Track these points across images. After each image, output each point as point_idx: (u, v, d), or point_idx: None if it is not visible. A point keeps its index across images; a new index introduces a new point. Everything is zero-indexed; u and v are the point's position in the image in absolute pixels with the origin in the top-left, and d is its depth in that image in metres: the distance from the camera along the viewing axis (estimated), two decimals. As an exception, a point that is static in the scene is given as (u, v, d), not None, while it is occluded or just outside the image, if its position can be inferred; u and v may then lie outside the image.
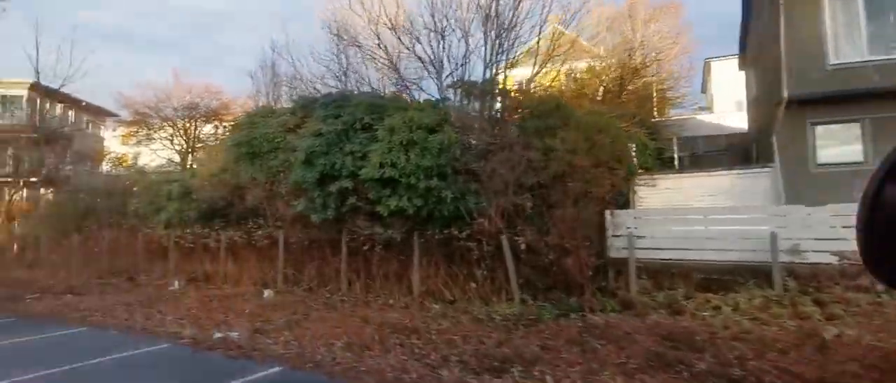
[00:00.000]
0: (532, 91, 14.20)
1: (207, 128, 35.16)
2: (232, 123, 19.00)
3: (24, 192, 31.82)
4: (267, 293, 12.25)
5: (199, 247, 15.60)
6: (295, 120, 14.04)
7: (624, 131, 12.99)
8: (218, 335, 8.44)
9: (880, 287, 7.06)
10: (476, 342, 7.31)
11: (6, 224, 23.03)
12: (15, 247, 23.68)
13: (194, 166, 24.05)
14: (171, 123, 33.78)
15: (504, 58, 13.03)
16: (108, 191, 27.05)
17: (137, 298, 12.43)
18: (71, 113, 35.04)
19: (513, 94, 13.08)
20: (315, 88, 17.33)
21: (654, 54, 21.65)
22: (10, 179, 31.21)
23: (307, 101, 14.62)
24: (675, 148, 19.58)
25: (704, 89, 31.71)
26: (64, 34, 53.30)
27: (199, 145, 33.22)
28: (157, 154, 33.46)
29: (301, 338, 7.98)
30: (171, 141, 34.86)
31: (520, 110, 12.30)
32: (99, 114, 37.58)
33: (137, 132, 34.67)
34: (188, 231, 15.72)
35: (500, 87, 12.83)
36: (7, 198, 32.57)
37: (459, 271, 10.53)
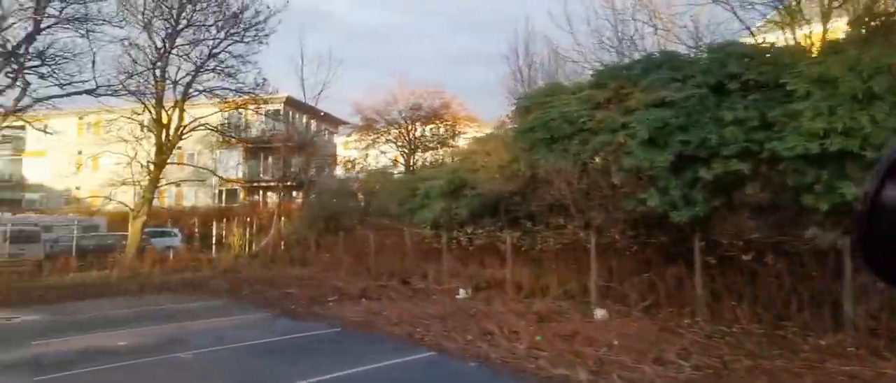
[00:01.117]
0: None
1: (427, 129, 35.82)
2: (511, 112, 16.86)
3: (281, 196, 35.71)
4: (600, 313, 9.42)
5: (475, 249, 13.83)
6: (604, 93, 11.12)
7: None
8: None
9: None
10: None
11: (276, 225, 24.97)
12: (281, 245, 25.72)
13: (451, 161, 23.47)
14: (396, 126, 34.91)
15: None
16: (350, 193, 28.65)
17: (436, 309, 10.75)
18: (312, 122, 38.44)
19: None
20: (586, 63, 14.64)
21: None
22: (273, 184, 35.53)
23: (615, 70, 11.62)
24: None
25: None
26: (312, 54, 61.29)
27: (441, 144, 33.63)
28: (385, 155, 34.87)
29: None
30: (396, 143, 36.05)
31: None
32: (333, 122, 40.84)
33: (365, 136, 36.42)
34: (467, 230, 14.06)
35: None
36: (271, 201, 37.20)
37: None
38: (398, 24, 72.77)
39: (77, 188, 37.91)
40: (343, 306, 11.63)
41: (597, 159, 10.24)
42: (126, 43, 16.59)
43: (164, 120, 18.94)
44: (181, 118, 19.53)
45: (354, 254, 18.52)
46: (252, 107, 21.62)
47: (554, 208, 11.64)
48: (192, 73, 18.60)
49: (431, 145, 36.40)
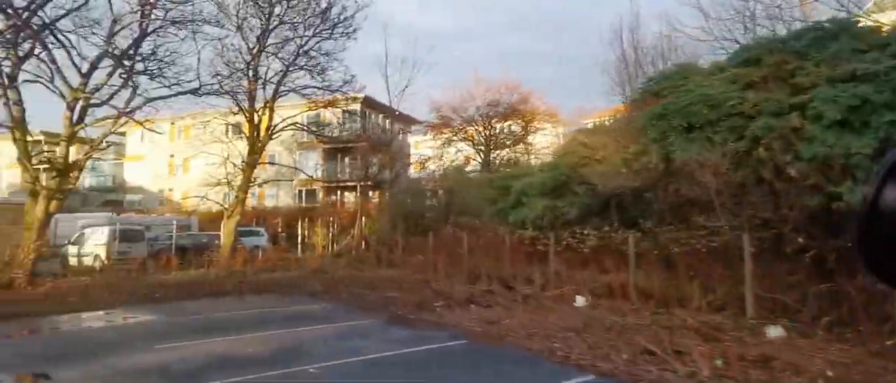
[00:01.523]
0: None
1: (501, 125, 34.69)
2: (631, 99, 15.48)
3: (363, 196, 35.80)
4: (774, 331, 7.89)
5: (588, 252, 12.57)
6: (758, 71, 9.53)
7: None
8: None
9: None
10: None
11: (359, 225, 24.72)
12: (363, 245, 25.45)
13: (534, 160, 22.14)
14: (473, 123, 34.02)
15: None
16: (430, 192, 28.10)
17: (561, 319, 9.61)
18: (387, 122, 38.31)
19: None
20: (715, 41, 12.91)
21: None
22: (351, 184, 35.73)
23: (770, 44, 9.96)
24: None
25: None
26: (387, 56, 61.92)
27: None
28: (461, 154, 34.06)
29: None
30: (472, 141, 35.15)
31: None
32: (406, 121, 40.57)
33: (439, 135, 35.71)
34: (577, 230, 12.82)
35: None
36: (349, 201, 37.48)
37: None
38: (464, 26, 72.12)
39: (170, 190, 40.04)
40: (453, 312, 10.75)
41: (760, 149, 8.64)
42: (220, 44, 16.68)
43: (255, 120, 19.02)
44: (271, 118, 19.56)
45: (445, 255, 17.70)
46: (340, 104, 21.22)
47: (692, 205, 10.16)
48: (282, 72, 18.55)
49: (509, 142, 35.27)
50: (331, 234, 26.47)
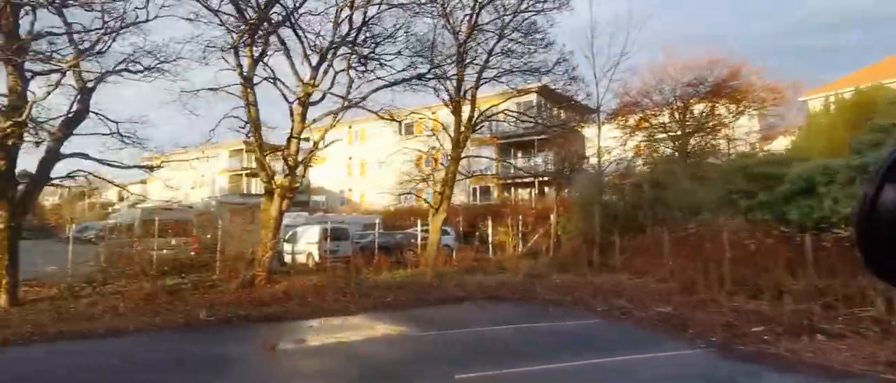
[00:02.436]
0: None
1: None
2: None
3: (546, 192, 33.59)
4: None
5: None
6: None
7: None
8: None
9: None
10: None
11: (554, 223, 22.34)
12: (551, 245, 23.09)
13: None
14: (667, 106, 29.66)
15: None
16: (624, 187, 24.81)
17: None
18: (562, 112, 35.49)
19: None
20: None
21: None
22: (528, 180, 33.78)
23: None
24: None
25: None
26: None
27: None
28: (655, 142, 29.93)
29: None
30: (664, 128, 30.72)
31: None
32: (581, 111, 37.33)
33: (622, 123, 31.78)
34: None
35: None
36: (522, 197, 35.58)
37: None
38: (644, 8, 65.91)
39: (349, 190, 42.09)
40: (795, 343, 7.71)
41: None
42: (433, 26, 15.47)
43: (460, 111, 17.70)
44: (473, 108, 18.12)
45: (684, 258, 14.45)
46: (557, 86, 18.58)
47: None
48: (487, 55, 16.83)
49: (709, 125, 30.14)
50: (520, 233, 24.62)
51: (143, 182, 40.05)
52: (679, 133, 29.88)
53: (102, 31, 12.95)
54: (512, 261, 21.26)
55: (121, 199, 54.39)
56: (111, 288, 13.37)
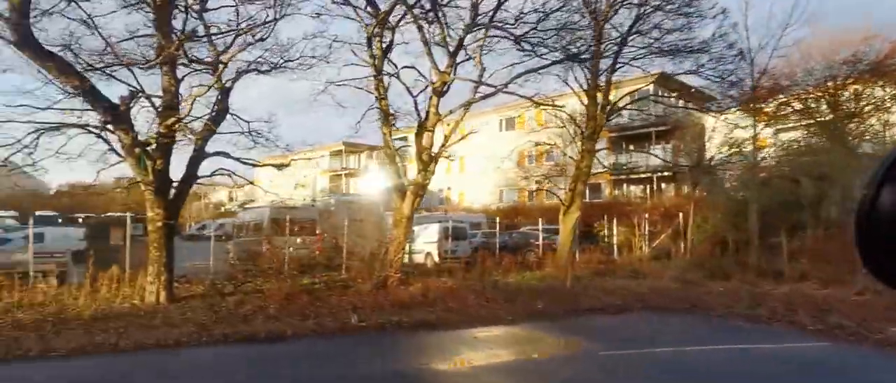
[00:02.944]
0: None
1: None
2: None
3: (649, 187, 30.85)
4: None
5: None
6: None
7: None
8: None
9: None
10: None
11: (692, 223, 19.93)
12: (686, 247, 20.66)
13: None
14: (817, 87, 25.80)
15: None
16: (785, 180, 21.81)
17: None
18: (679, 102, 32.37)
19: None
20: None
21: None
22: (645, 175, 31.19)
23: None
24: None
25: None
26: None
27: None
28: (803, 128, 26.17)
29: None
30: (810, 111, 26.79)
31: None
32: (699, 99, 33.89)
33: (763, 109, 28.06)
34: None
35: None
36: (634, 194, 32.96)
37: None
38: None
39: (448, 188, 41.56)
40: None
41: None
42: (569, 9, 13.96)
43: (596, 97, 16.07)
44: (607, 93, 16.41)
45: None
46: (708, 71, 16.00)
47: None
48: (625, 35, 14.99)
49: (866, 109, 25.84)
50: (645, 233, 22.40)
51: (252, 182, 42.25)
52: (830, 118, 25.95)
53: (237, 31, 12.92)
54: (643, 263, 19.29)
55: (230, 200, 58.14)
56: (250, 286, 13.34)
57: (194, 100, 11.28)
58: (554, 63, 13.29)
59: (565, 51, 13.26)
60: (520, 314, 10.67)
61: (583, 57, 14.05)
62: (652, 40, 14.57)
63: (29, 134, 10.36)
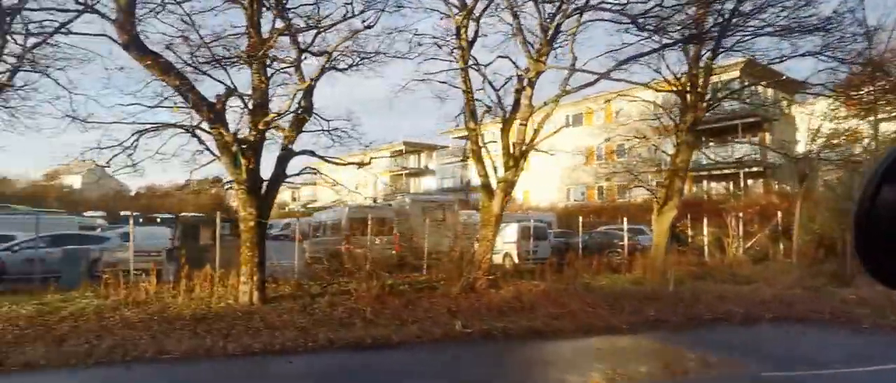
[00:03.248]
0: None
1: None
2: None
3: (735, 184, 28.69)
4: None
5: None
6: None
7: None
8: None
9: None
10: None
11: (798, 222, 18.04)
12: (793, 248, 18.72)
13: None
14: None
15: None
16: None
17: None
18: (769, 92, 29.86)
19: None
20: None
21: None
22: (729, 171, 29.07)
23: None
24: None
25: None
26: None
27: None
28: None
29: None
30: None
31: None
32: (789, 89, 31.16)
33: (855, 99, 25.36)
34: None
35: None
36: (716, 191, 30.81)
37: None
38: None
39: (512, 186, 40.56)
40: None
41: None
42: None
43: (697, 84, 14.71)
44: (707, 80, 15.02)
45: None
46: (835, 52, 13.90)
47: None
48: (729, 15, 13.44)
49: None
50: (740, 233, 20.64)
51: (337, 182, 43.16)
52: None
53: (318, 29, 12.66)
54: (743, 266, 17.71)
55: (293, 200, 59.58)
56: (336, 287, 13.07)
57: (295, 95, 11.05)
58: (665, 47, 12.16)
59: (686, 30, 12.05)
60: (633, 322, 9.71)
61: (709, 36, 12.72)
62: (762, 21, 13.03)
63: (131, 135, 10.48)
